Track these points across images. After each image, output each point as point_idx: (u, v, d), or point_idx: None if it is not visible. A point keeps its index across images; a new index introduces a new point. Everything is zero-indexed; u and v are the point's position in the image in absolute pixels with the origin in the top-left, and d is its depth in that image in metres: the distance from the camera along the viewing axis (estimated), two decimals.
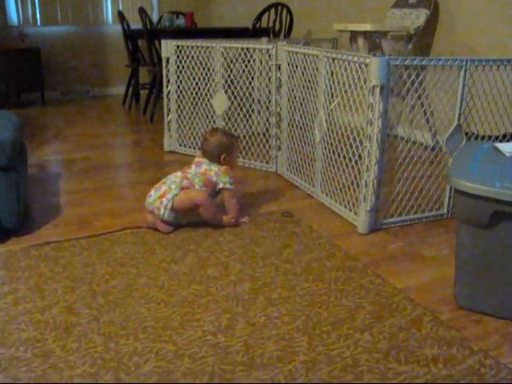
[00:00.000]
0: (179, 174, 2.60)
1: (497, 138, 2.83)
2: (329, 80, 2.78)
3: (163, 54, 3.92)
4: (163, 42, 3.92)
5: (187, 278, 2.11)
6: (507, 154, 2.08)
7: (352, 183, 2.80)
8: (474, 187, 1.75)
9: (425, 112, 3.42)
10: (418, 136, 2.71)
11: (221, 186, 2.58)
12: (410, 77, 2.49)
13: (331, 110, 2.84)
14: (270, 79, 3.43)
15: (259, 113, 4.31)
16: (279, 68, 3.31)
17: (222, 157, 2.62)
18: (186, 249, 2.37)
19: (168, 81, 3.94)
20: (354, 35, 4.11)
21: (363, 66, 2.48)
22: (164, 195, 2.50)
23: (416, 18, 4.17)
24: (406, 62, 2.41)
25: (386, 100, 2.40)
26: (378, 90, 2.37)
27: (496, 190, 1.71)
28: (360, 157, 2.58)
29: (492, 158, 2.05)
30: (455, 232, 1.90)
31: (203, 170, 2.60)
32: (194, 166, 2.64)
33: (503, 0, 3.76)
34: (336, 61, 2.71)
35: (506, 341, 1.72)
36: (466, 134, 2.67)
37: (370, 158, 2.48)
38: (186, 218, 2.61)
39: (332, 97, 2.83)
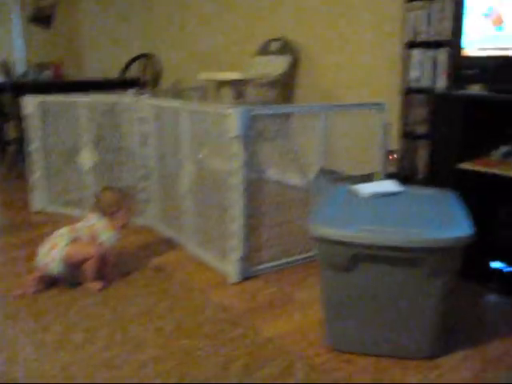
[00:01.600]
0: (67, 227, 2.55)
1: (358, 177, 2.94)
2: (192, 131, 2.81)
3: (24, 111, 3.78)
4: (24, 98, 3.77)
5: (54, 346, 1.99)
6: (364, 196, 2.17)
7: (221, 232, 2.74)
8: (330, 233, 1.80)
9: (295, 155, 3.51)
10: (289, 178, 2.77)
11: (102, 239, 2.54)
12: (274, 124, 2.59)
13: (201, 159, 2.86)
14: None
15: (129, 166, 4.23)
16: (144, 120, 3.30)
17: (114, 213, 2.60)
18: (51, 316, 2.23)
19: (32, 137, 3.81)
20: (220, 84, 4.20)
21: (223, 117, 2.50)
22: (53, 248, 2.44)
23: (279, 64, 4.31)
24: (265, 112, 2.49)
25: (248, 149, 2.43)
26: (237, 141, 2.40)
27: (353, 234, 1.78)
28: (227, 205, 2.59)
29: (350, 201, 2.14)
30: (320, 276, 1.93)
31: (91, 223, 2.58)
32: (83, 221, 2.61)
33: (359, 52, 4.00)
34: (197, 113, 2.74)
35: (375, 378, 1.75)
36: (331, 173, 2.77)
37: (235, 206, 2.48)
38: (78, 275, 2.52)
39: (202, 146, 2.85)
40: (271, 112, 2.51)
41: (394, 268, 1.78)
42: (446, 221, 1.87)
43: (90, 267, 2.49)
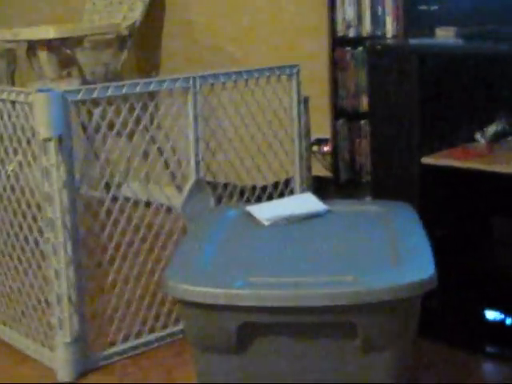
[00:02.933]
0: None
1: (264, 189, 2.87)
2: None
3: None
4: None
5: None
6: (265, 223, 2.07)
7: (40, 300, 2.64)
8: (201, 292, 1.67)
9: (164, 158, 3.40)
10: (155, 196, 2.75)
11: None
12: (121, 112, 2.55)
13: (8, 176, 2.73)
14: None
15: None
16: None
17: None
18: None
19: None
20: (32, 47, 3.96)
21: (27, 107, 2.39)
22: None
23: (129, 9, 4.06)
24: (95, 95, 2.37)
25: (70, 158, 2.36)
26: (52, 145, 2.32)
27: (239, 292, 1.66)
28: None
29: (241, 233, 2.06)
30: (193, 362, 1.86)
31: None
32: None
33: None
34: None
35: None
36: (214, 188, 2.67)
37: (58, 256, 2.37)
38: None
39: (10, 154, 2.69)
40: (106, 94, 2.40)
41: (311, 342, 1.71)
42: (393, 257, 1.81)
43: None
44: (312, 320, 1.68)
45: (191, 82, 2.58)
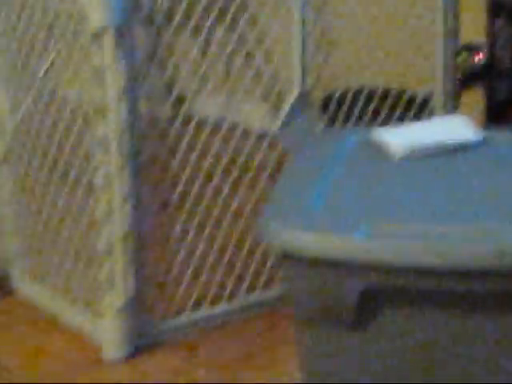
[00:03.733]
0: None
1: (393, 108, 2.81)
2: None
3: None
4: None
5: None
6: (396, 155, 1.99)
7: (78, 255, 2.67)
8: (317, 244, 1.61)
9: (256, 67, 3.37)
10: (243, 117, 2.78)
11: None
12: None
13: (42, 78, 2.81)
14: None
15: None
16: None
17: None
18: None
19: None
20: None
21: None
22: None
23: None
24: None
25: (129, 58, 2.37)
26: (107, 39, 2.28)
27: (364, 245, 1.58)
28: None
29: (364, 167, 1.97)
30: (294, 335, 1.78)
31: None
32: None
33: None
34: None
35: None
36: (324, 107, 2.61)
37: (110, 188, 2.38)
38: None
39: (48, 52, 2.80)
40: None
41: (466, 316, 1.61)
42: None
43: None
44: (467, 286, 1.56)
45: None
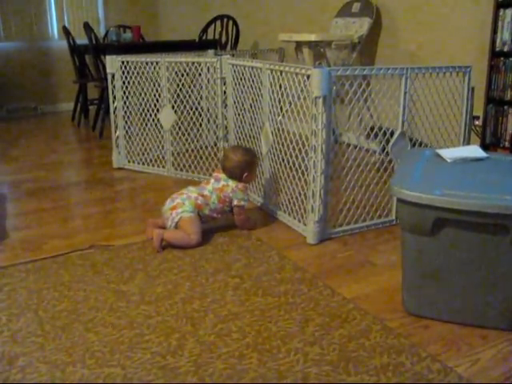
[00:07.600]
0: (196, 189, 2.62)
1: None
2: (272, 92, 2.80)
3: (108, 70, 3.85)
4: (108, 58, 3.85)
5: (136, 298, 2.07)
6: (448, 160, 2.12)
7: (300, 194, 2.76)
8: (414, 195, 1.77)
9: (372, 117, 3.47)
10: (365, 143, 2.77)
11: (235, 202, 2.63)
12: (352, 86, 2.54)
13: (279, 121, 2.84)
14: (215, 92, 3.41)
15: (207, 126, 4.30)
16: (224, 81, 3.29)
17: (244, 175, 2.65)
18: (134, 268, 2.32)
19: (114, 97, 3.92)
20: (299, 45, 4.15)
21: (305, 77, 2.48)
22: (175, 208, 2.53)
23: (359, 26, 4.23)
24: (348, 73, 2.44)
25: (329, 110, 2.40)
26: (320, 101, 2.38)
27: (436, 198, 1.74)
28: (306, 167, 2.58)
29: (433, 165, 2.08)
30: (400, 240, 1.91)
31: (221, 185, 2.63)
32: (212, 181, 2.66)
33: (444, 12, 3.85)
34: (279, 73, 2.70)
35: (452, 345, 1.74)
36: (411, 140, 2.71)
37: (316, 168, 2.47)
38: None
39: (280, 107, 2.83)
40: (355, 73, 2.44)
41: (479, 235, 1.74)
42: None
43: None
44: (482, 221, 1.71)
45: (405, 71, 2.57)
